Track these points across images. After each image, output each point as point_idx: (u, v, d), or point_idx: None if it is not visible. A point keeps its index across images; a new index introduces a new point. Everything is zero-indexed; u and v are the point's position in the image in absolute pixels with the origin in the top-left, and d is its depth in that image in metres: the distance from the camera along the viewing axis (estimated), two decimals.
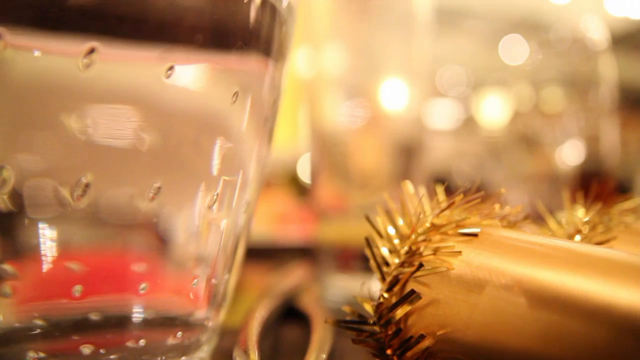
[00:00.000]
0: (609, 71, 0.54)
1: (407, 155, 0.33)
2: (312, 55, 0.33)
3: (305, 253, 0.39)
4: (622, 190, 0.68)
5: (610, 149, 0.69)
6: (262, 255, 0.47)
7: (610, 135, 0.70)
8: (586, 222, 0.17)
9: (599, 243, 0.15)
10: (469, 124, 1.10)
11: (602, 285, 0.10)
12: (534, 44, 0.56)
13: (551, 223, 0.17)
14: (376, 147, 0.33)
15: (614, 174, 0.69)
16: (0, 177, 0.11)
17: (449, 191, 0.15)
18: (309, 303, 0.22)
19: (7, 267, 0.12)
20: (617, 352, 0.09)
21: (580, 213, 0.17)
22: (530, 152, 0.85)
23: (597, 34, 0.56)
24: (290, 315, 0.22)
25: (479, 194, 0.14)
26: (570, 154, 0.53)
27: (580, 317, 0.10)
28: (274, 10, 0.15)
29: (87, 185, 0.12)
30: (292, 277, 0.29)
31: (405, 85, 0.33)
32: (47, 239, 0.12)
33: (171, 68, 0.13)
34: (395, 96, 0.32)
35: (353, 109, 0.32)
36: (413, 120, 0.33)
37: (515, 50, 0.56)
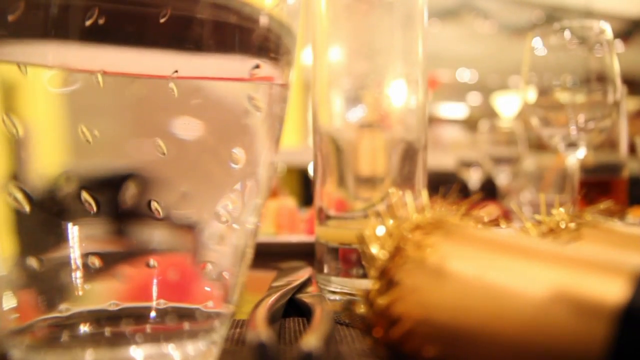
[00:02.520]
0: (618, 70, 0.56)
1: (410, 156, 0.35)
2: (316, 57, 0.35)
3: (308, 252, 0.42)
4: (634, 188, 0.70)
5: (623, 148, 0.72)
6: (267, 253, 0.49)
7: (623, 134, 0.72)
8: (559, 222, 0.19)
9: (569, 240, 0.18)
10: (482, 122, 1.12)
11: (543, 271, 0.13)
12: (548, 41, 0.58)
13: (527, 223, 0.20)
14: (379, 148, 0.35)
15: (625, 173, 0.71)
16: (68, 183, 0.14)
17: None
18: (310, 297, 0.25)
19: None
20: (550, 325, 0.12)
21: (556, 214, 0.20)
22: (541, 151, 0.87)
23: (609, 33, 0.57)
24: (293, 307, 0.25)
25: (454, 198, 0.17)
26: (581, 154, 0.55)
27: (525, 298, 0.13)
28: (280, 40, 0.18)
29: (135, 193, 0.15)
30: (296, 274, 0.32)
31: (408, 87, 0.35)
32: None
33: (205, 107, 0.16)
34: (397, 98, 0.35)
35: (356, 110, 0.35)
36: (415, 122, 0.36)
37: (530, 48, 0.58)
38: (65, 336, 0.16)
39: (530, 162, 1.21)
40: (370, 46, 0.36)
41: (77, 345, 0.16)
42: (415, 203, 0.17)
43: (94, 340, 0.16)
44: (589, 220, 0.19)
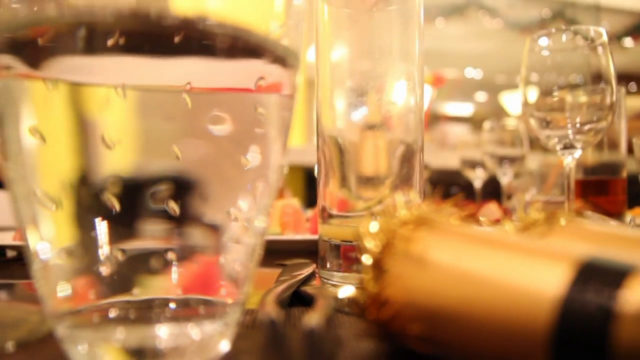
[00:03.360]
0: (614, 72, 0.58)
1: (408, 158, 0.38)
2: (319, 64, 0.38)
3: (312, 251, 0.44)
4: (632, 187, 0.72)
5: (622, 148, 0.74)
6: (273, 251, 0.52)
7: (622, 134, 0.74)
8: (534, 220, 0.22)
9: (539, 236, 0.21)
10: (486, 121, 1.14)
11: (504, 260, 0.16)
12: (545, 44, 0.60)
13: (506, 221, 0.22)
14: (379, 150, 0.38)
15: (624, 173, 0.73)
16: (98, 185, 0.17)
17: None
18: (313, 289, 0.28)
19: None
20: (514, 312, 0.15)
21: (533, 213, 0.23)
22: (545, 150, 0.89)
23: (605, 36, 0.60)
24: (298, 299, 0.28)
25: (436, 196, 0.20)
26: (577, 155, 0.57)
27: (489, 284, 0.16)
28: (285, 56, 0.21)
29: (168, 196, 0.18)
30: (300, 270, 0.35)
31: (407, 90, 0.38)
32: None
33: (222, 117, 0.19)
34: (397, 100, 0.38)
35: (358, 113, 0.37)
36: (414, 124, 0.38)
37: (528, 50, 0.60)
38: (96, 318, 0.19)
39: (534, 161, 1.23)
40: (370, 51, 0.38)
41: (108, 324, 0.19)
42: (405, 202, 0.20)
43: (122, 320, 0.19)
44: (561, 218, 0.22)
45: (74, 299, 0.18)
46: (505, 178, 1.09)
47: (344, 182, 0.36)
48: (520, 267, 0.15)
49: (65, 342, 0.19)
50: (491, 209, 0.66)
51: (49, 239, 0.18)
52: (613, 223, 0.54)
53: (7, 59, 0.18)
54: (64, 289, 0.18)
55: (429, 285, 0.17)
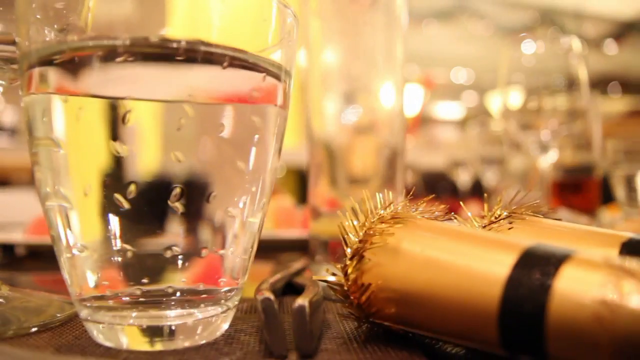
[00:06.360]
0: (586, 80, 0.61)
1: (391, 160, 0.41)
2: (310, 71, 0.41)
3: (302, 244, 0.47)
4: (606, 187, 0.75)
5: (596, 150, 0.77)
6: (267, 245, 0.55)
7: (597, 136, 0.77)
8: (497, 217, 0.25)
9: (501, 230, 0.24)
10: (472, 122, 1.17)
11: (464, 249, 0.18)
12: (523, 52, 0.63)
13: (472, 217, 0.25)
14: (365, 149, 0.41)
15: (598, 173, 0.76)
16: (130, 189, 0.20)
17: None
18: (304, 279, 0.30)
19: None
20: (472, 295, 0.18)
21: (495, 210, 0.26)
22: (521, 152, 0.92)
23: (578, 47, 0.63)
24: (290, 290, 0.30)
25: (424, 197, 0.22)
26: (552, 157, 0.60)
27: (452, 269, 0.18)
28: (277, 75, 0.24)
29: (176, 197, 0.21)
30: (292, 264, 0.37)
31: (392, 95, 0.41)
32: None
33: (222, 125, 0.22)
34: (381, 106, 0.40)
35: (345, 118, 0.40)
36: (397, 129, 0.41)
37: (507, 58, 0.63)
38: (115, 302, 0.21)
39: (517, 162, 1.26)
40: (358, 60, 0.41)
41: (125, 307, 0.21)
42: (383, 201, 0.23)
43: (137, 304, 0.21)
44: (520, 215, 0.25)
45: (96, 285, 0.21)
46: (490, 178, 1.12)
47: (332, 182, 0.39)
48: (475, 255, 0.18)
49: (88, 322, 0.21)
50: (473, 209, 0.68)
51: (76, 235, 0.21)
52: (584, 220, 0.57)
53: (42, 71, 0.20)
54: (88, 277, 0.21)
55: (401, 272, 0.20)
